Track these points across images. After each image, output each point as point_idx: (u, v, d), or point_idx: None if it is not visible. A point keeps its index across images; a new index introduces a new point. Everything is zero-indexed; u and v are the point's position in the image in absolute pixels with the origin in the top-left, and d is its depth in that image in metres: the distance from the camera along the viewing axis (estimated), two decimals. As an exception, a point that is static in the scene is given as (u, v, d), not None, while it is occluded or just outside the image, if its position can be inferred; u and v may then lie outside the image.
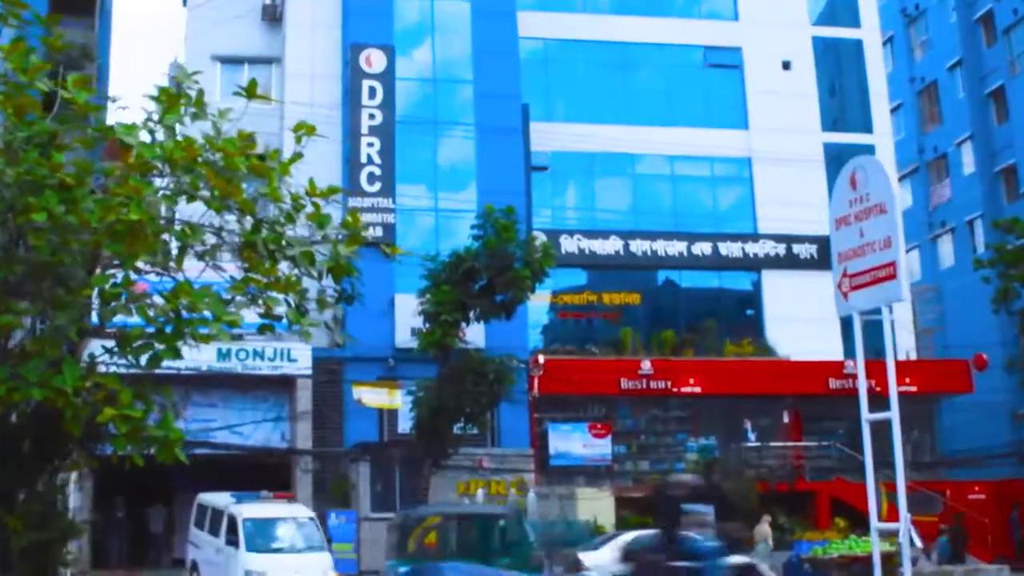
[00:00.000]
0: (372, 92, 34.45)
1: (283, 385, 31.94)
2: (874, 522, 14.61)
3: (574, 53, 38.78)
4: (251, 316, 12.67)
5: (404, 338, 32.30)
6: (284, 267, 12.55)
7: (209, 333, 10.74)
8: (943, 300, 49.09)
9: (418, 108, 35.05)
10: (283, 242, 12.56)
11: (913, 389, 36.39)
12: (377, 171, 33.94)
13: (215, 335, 10.70)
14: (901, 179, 53.32)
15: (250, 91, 12.68)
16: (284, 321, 13.10)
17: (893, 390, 14.23)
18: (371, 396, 29.31)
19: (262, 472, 33.21)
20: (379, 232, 33.58)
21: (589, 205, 37.53)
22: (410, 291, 30.16)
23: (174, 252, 11.29)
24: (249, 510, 25.29)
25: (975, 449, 38.73)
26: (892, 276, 13.62)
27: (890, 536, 29.72)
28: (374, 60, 34.66)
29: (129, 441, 10.59)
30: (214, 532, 25.50)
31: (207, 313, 10.85)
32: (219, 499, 26.56)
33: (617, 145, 37.02)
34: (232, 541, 24.62)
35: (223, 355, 31.30)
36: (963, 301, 44.56)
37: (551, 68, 38.52)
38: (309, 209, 12.24)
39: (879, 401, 36.34)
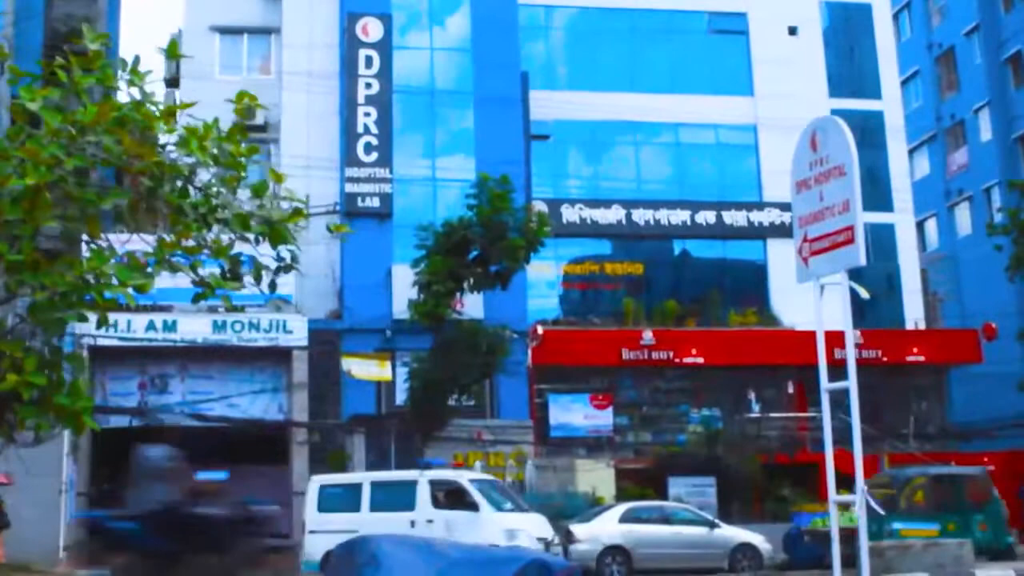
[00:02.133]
0: (369, 61, 34.09)
1: (280, 357, 31.74)
2: (832, 495, 14.19)
3: (577, 20, 38.36)
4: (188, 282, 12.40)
5: (401, 309, 31.89)
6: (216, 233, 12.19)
7: (114, 298, 10.39)
8: (960, 269, 48.41)
9: (416, 77, 34.66)
10: (214, 206, 12.19)
11: (921, 359, 35.95)
12: (374, 141, 33.60)
13: (120, 300, 10.35)
14: (918, 147, 52.65)
15: (171, 52, 12.30)
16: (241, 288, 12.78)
17: (851, 359, 13.82)
18: (361, 368, 29.07)
19: (260, 443, 33.13)
20: (376, 202, 33.34)
21: (592, 174, 37.13)
22: (408, 262, 29.83)
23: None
24: (467, 475, 25.47)
25: (985, 420, 38.19)
26: (850, 240, 13.23)
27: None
28: (371, 29, 34.28)
29: (37, 411, 10.28)
30: (400, 506, 24.78)
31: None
32: (385, 474, 26.61)
33: (620, 113, 36.56)
34: (462, 506, 24.24)
35: (218, 327, 31.24)
36: (981, 270, 43.83)
37: (554, 35, 38.14)
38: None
39: (890, 370, 35.91)
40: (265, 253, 12.86)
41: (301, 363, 31.60)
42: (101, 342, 30.24)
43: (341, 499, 24.89)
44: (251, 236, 12.32)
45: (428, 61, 34.94)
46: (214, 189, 12.25)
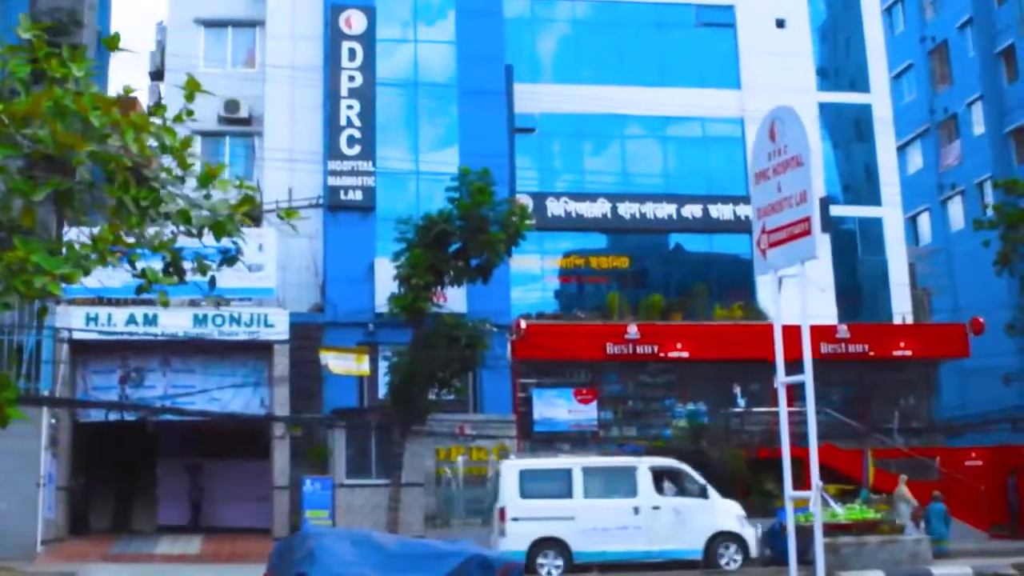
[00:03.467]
0: (352, 54, 33.89)
1: (261, 351, 31.59)
2: (788, 491, 14.05)
3: (563, 13, 38.13)
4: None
5: (384, 303, 31.79)
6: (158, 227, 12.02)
7: (39, 287, 10.21)
8: (953, 263, 48.19)
9: (399, 70, 34.48)
10: (158, 199, 12.01)
11: (908, 353, 35.73)
12: (357, 134, 33.40)
13: (48, 290, 10.17)
14: (911, 140, 52.42)
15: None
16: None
17: (807, 353, 13.68)
18: (338, 362, 28.88)
19: (242, 437, 33.07)
20: (359, 196, 33.18)
21: (577, 167, 36.93)
22: (390, 255, 29.71)
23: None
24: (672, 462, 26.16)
25: (975, 415, 38.03)
26: (807, 232, 13.04)
27: (879, 504, 29.27)
28: (354, 21, 34.09)
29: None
30: (619, 493, 24.90)
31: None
32: (597, 460, 26.63)
33: (606, 106, 36.34)
34: (685, 492, 25.19)
35: (200, 321, 31.10)
36: (974, 264, 43.60)
37: (539, 28, 37.93)
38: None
39: (877, 365, 35.76)
40: (211, 245, 12.73)
41: (282, 357, 31.43)
42: (82, 336, 30.25)
43: (548, 485, 24.82)
44: (193, 229, 12.19)
45: (412, 54, 34.74)
46: (156, 183, 12.10)
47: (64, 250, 11.35)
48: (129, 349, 31.30)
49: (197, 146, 34.59)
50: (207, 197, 12.50)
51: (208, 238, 12.45)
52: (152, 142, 12.10)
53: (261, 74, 35.18)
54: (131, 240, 12.12)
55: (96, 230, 11.87)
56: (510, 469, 25.16)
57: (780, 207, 13.41)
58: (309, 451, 31.24)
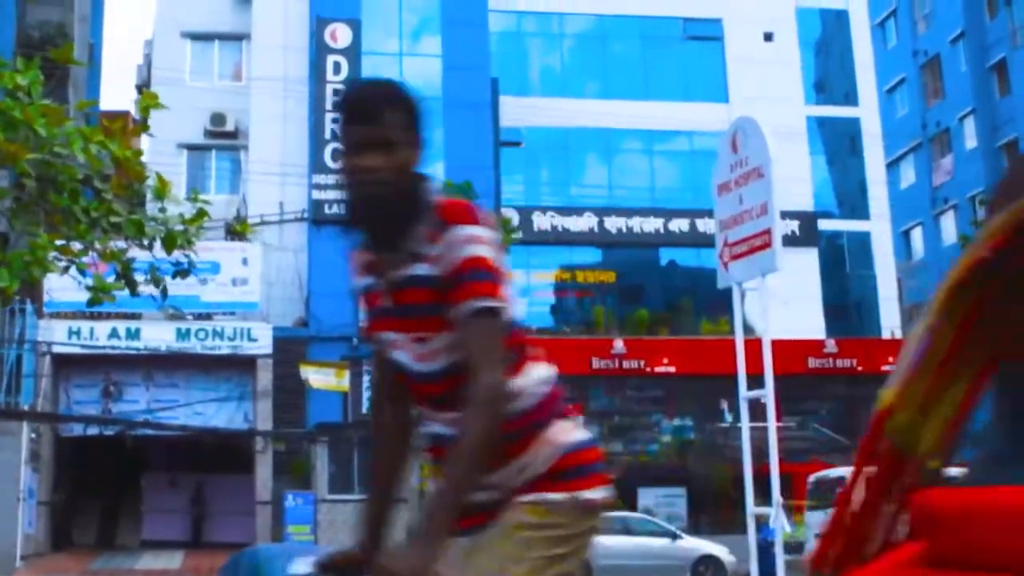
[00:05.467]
0: (337, 67, 33.84)
1: (245, 365, 31.49)
2: (750, 508, 13.83)
3: (549, 26, 38.00)
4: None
5: (367, 317, 31.75)
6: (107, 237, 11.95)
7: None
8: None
9: (384, 83, 34.36)
10: (110, 210, 11.93)
11: (897, 368, 35.46)
12: (342, 147, 33.23)
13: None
14: (904, 155, 52.33)
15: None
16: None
17: (768, 368, 13.37)
18: (318, 377, 28.74)
19: (227, 452, 32.89)
20: (343, 210, 32.95)
21: (563, 181, 36.76)
22: (374, 269, 29.52)
23: None
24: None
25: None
26: (767, 245, 12.82)
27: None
28: (339, 35, 34.05)
29: None
30: None
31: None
32: None
33: (593, 120, 36.19)
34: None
35: (182, 335, 31.05)
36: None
37: (526, 41, 37.82)
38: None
39: (864, 381, 35.54)
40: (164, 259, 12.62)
41: (266, 372, 31.34)
42: (65, 350, 30.16)
43: None
44: (144, 241, 12.10)
45: (397, 67, 34.65)
46: (107, 195, 12.01)
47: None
48: (112, 363, 31.21)
49: (183, 160, 34.94)
50: (162, 210, 12.43)
51: (167, 250, 12.37)
52: (102, 153, 12.02)
53: (247, 87, 35.08)
54: (78, 248, 12.05)
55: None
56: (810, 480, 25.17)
57: (742, 219, 13.23)
58: (292, 466, 31.08)
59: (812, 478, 26.21)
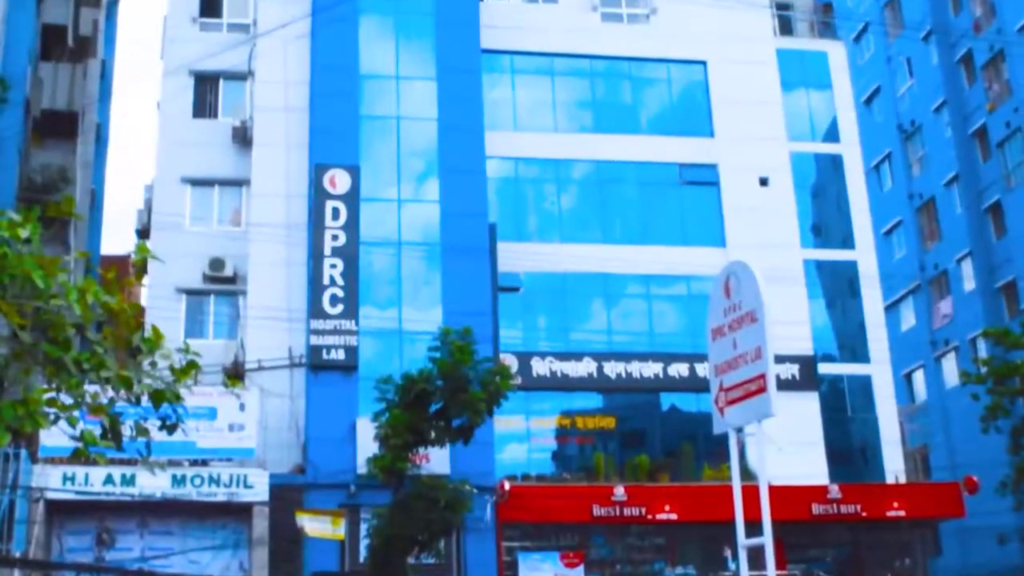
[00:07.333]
0: (336, 213, 34.08)
1: (241, 512, 31.09)
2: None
3: (547, 171, 38.35)
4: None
5: (366, 464, 31.50)
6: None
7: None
8: (949, 420, 47.77)
9: (383, 229, 34.64)
10: (100, 362, 11.86)
11: (902, 513, 35.04)
12: (340, 293, 33.39)
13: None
14: (904, 297, 52.44)
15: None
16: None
17: (766, 514, 13.24)
18: (314, 525, 28.30)
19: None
20: (341, 355, 32.97)
21: (562, 326, 36.71)
22: (371, 415, 29.44)
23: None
24: None
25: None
26: (762, 389, 12.78)
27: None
28: (338, 181, 34.37)
29: None
30: None
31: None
32: None
33: (591, 265, 36.38)
34: None
35: (178, 481, 30.71)
36: (970, 421, 43.19)
37: (523, 187, 38.15)
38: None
39: (868, 527, 35.04)
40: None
41: (262, 519, 30.92)
42: (58, 496, 29.83)
43: None
44: (132, 396, 12.04)
45: (396, 213, 34.95)
46: (100, 346, 11.97)
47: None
48: (106, 509, 30.83)
49: (182, 305, 35.02)
50: (153, 364, 12.37)
51: (155, 406, 12.29)
52: (97, 306, 12.01)
53: (246, 232, 35.27)
54: (69, 402, 11.96)
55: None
56: None
57: (736, 364, 13.20)
58: (287, 617, 30.52)
59: None
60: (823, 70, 41.25)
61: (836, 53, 41.78)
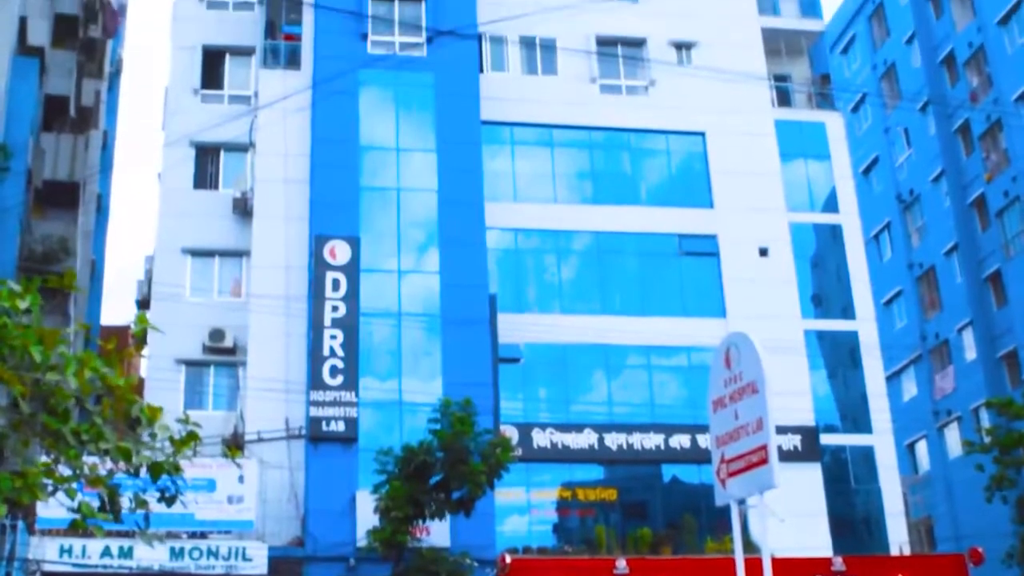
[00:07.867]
0: (336, 284, 34.10)
1: (239, 586, 30.80)
2: None
3: (547, 242, 38.41)
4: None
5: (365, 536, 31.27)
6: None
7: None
8: (953, 491, 47.50)
9: (383, 300, 34.63)
10: (98, 434, 11.85)
11: (907, 586, 34.66)
12: (340, 364, 33.32)
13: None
14: (905, 367, 52.34)
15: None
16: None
17: (769, 586, 13.10)
18: (313, 598, 28.12)
19: None
20: (341, 427, 32.83)
21: (563, 397, 36.56)
22: (371, 487, 29.30)
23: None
24: None
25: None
26: (764, 461, 12.69)
27: None
28: (338, 252, 34.44)
29: None
30: None
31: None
32: None
33: (592, 336, 36.31)
34: None
35: (176, 554, 30.46)
36: (975, 491, 42.87)
37: (524, 258, 38.18)
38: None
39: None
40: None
41: (260, 592, 30.66)
42: (56, 568, 29.58)
43: None
44: (131, 468, 12.00)
45: (396, 284, 34.98)
46: (97, 418, 11.95)
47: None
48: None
49: (181, 376, 34.94)
50: (152, 436, 12.33)
51: (153, 478, 12.23)
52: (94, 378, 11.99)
53: (246, 303, 35.27)
54: (67, 473, 11.92)
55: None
56: None
57: (737, 435, 13.14)
58: None
59: None
60: (821, 141, 41.42)
61: (834, 124, 41.98)
